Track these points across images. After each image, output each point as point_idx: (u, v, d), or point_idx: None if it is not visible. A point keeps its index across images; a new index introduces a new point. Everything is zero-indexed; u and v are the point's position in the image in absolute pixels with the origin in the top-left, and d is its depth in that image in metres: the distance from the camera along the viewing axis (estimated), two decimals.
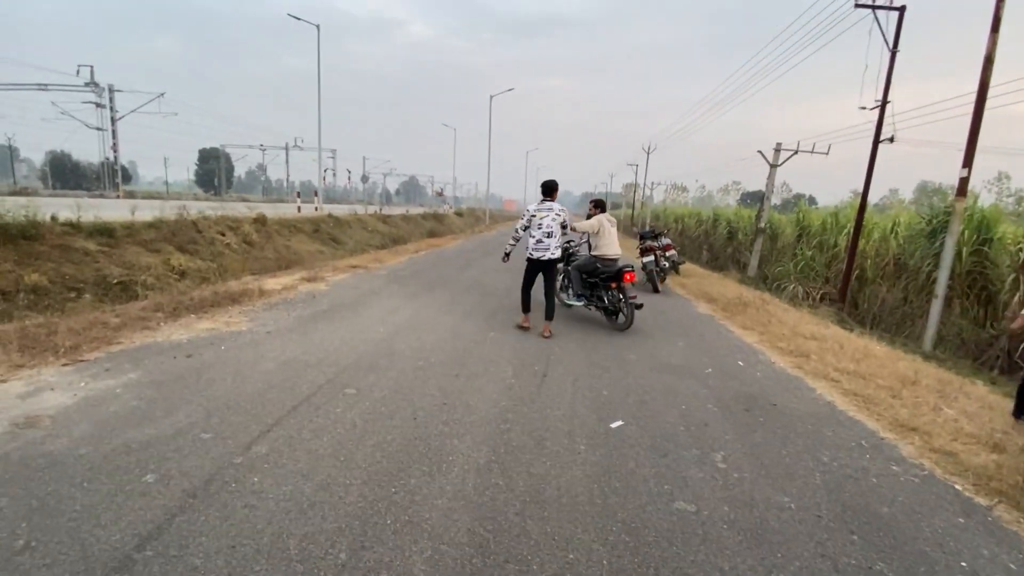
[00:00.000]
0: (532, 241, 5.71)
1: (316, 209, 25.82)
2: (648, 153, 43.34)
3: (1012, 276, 10.97)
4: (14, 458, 2.55)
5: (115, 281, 10.59)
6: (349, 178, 73.44)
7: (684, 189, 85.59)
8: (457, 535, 2.20)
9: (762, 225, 19.47)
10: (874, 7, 13.27)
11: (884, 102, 13.27)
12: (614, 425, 3.43)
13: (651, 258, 9.48)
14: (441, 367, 4.40)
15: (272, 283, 7.50)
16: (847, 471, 3.03)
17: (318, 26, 23.03)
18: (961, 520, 2.60)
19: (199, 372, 3.87)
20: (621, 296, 6.27)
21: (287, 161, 57.72)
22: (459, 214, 44.52)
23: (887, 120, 13.16)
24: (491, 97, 29.42)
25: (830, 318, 9.64)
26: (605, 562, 2.09)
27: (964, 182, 10.48)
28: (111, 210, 13.08)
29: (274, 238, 17.55)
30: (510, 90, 30.82)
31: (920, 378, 4.89)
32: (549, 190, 5.77)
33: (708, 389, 4.31)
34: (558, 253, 5.77)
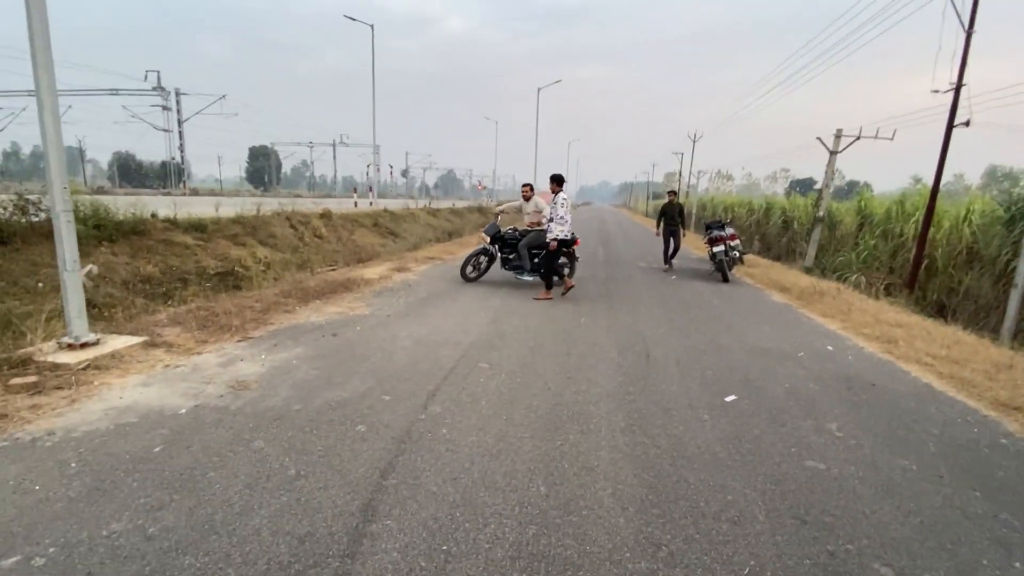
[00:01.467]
0: (568, 225, 7.29)
1: (371, 204, 26.84)
2: (694, 141, 42.53)
3: None
4: (248, 412, 3.14)
5: (213, 272, 11.61)
6: (391, 173, 75.28)
7: (729, 177, 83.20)
8: (627, 478, 2.62)
9: (821, 214, 19.02)
10: None
11: (959, 84, 12.81)
12: (728, 399, 3.78)
13: (721, 248, 9.65)
14: (551, 347, 4.85)
15: (368, 273, 8.15)
16: (958, 442, 3.28)
17: (372, 26, 23.87)
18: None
19: (351, 348, 4.45)
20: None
21: (335, 157, 59.66)
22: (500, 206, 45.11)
23: (962, 103, 12.69)
24: (539, 90, 29.68)
25: (907, 308, 9.55)
26: (760, 503, 2.47)
27: None
28: (195, 207, 14.14)
29: (339, 231, 18.51)
30: (557, 82, 30.94)
31: (1016, 363, 4.99)
32: (559, 180, 7.14)
33: (805, 370, 4.58)
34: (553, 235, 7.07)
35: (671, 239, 11.17)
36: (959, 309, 12.70)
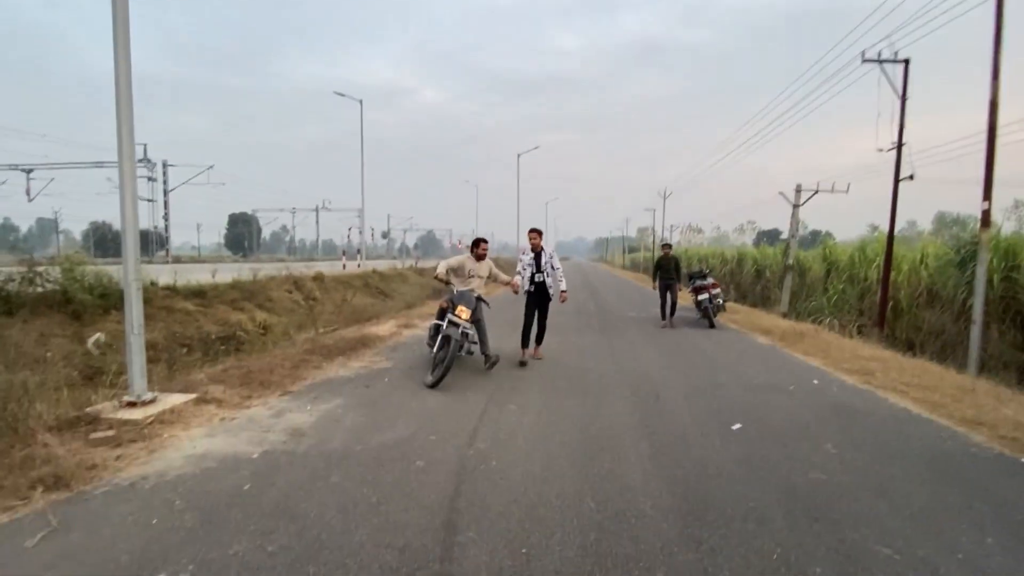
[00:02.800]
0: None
1: (359, 266, 27.37)
2: (664, 198, 44.90)
3: None
4: (313, 454, 3.47)
5: (215, 337, 11.78)
6: (372, 235, 76.60)
7: (700, 231, 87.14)
8: (662, 494, 3.03)
9: (790, 262, 20.24)
10: (880, 61, 14.59)
11: (900, 144, 14.33)
12: (735, 427, 4.24)
13: (705, 295, 10.37)
14: (567, 388, 5.28)
15: (378, 330, 8.52)
16: (935, 452, 3.79)
17: (361, 101, 25.39)
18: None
19: (386, 397, 4.81)
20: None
21: (317, 221, 60.68)
22: None
23: (905, 159, 14.16)
24: (519, 156, 31.46)
25: (880, 345, 10.29)
26: (777, 507, 2.90)
27: (986, 214, 11.29)
28: (191, 274, 14.40)
29: (332, 293, 18.87)
30: (535, 148, 32.88)
31: (977, 388, 5.60)
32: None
33: (797, 401, 5.09)
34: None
35: (668, 293, 10.43)
36: (926, 344, 13.56)
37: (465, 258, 6.34)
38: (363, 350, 6.93)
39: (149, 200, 39.04)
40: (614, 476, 3.25)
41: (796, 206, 22.05)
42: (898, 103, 14.30)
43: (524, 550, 2.41)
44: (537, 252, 6.64)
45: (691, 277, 11.13)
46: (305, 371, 5.65)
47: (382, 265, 28.08)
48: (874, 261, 17.14)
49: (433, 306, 13.98)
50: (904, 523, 2.75)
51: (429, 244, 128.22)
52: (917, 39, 29.23)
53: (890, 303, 14.98)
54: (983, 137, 10.92)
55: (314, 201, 63.15)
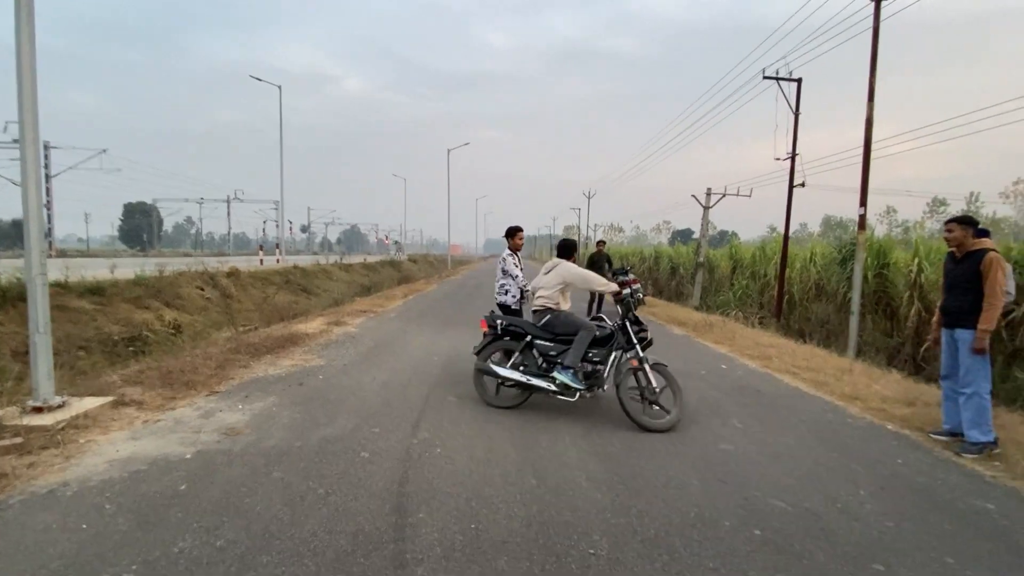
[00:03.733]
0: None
1: (277, 261, 25.97)
2: (589, 198, 46.64)
3: (907, 294, 13.39)
4: (252, 451, 3.41)
5: (118, 338, 10.80)
6: (291, 229, 72.67)
7: (620, 230, 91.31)
8: (595, 469, 3.32)
9: (701, 260, 21.89)
10: (777, 79, 16.18)
11: (794, 154, 15.98)
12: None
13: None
14: None
15: (306, 328, 8.25)
16: (820, 423, 4.42)
17: (280, 87, 24.07)
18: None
19: (322, 394, 4.75)
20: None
21: (228, 214, 56.51)
22: (413, 260, 45.43)
23: (798, 168, 15.84)
24: (449, 151, 31.28)
25: (777, 334, 11.50)
26: (693, 472, 3.28)
27: (862, 218, 12.96)
28: (87, 269, 13.09)
29: (249, 290, 17.84)
30: (466, 144, 32.86)
31: (854, 368, 6.52)
32: (507, 234, 5.68)
33: (708, 384, 5.67)
34: (501, 299, 5.44)
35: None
36: (814, 332, 15.31)
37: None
38: (292, 348, 6.72)
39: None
40: (552, 456, 3.50)
41: (706, 208, 23.86)
42: (792, 117, 15.95)
43: (473, 525, 2.57)
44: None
45: (615, 273, 11.79)
46: (232, 370, 5.41)
47: (303, 261, 26.82)
48: (772, 259, 19.00)
49: (363, 303, 13.63)
50: (795, 482, 3.23)
51: (353, 239, 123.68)
52: (809, 60, 32.61)
53: (786, 296, 16.71)
54: (861, 150, 12.53)
55: (226, 191, 58.82)
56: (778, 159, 16.63)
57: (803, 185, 16.14)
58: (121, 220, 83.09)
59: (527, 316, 5.10)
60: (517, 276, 5.46)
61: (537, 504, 2.82)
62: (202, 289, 15.89)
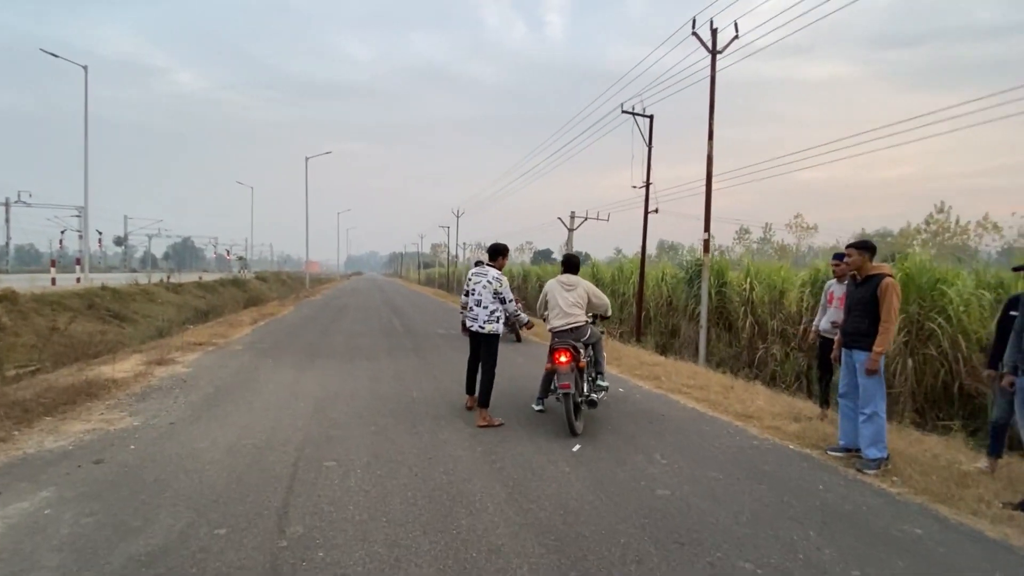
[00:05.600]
0: (467, 309, 5.12)
1: (78, 280, 20.87)
2: (458, 217, 46.50)
3: (743, 309, 15.15)
4: None
5: None
6: (100, 241, 60.20)
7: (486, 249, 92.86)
8: (546, 560, 2.63)
9: None
10: (633, 113, 17.55)
11: (648, 183, 17.37)
12: (575, 448, 4.16)
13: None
14: (395, 428, 4.55)
15: (112, 370, 6.22)
16: (734, 449, 4.30)
17: (85, 67, 19.59)
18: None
19: (134, 475, 3.33)
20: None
21: (8, 220, 44.66)
22: (262, 279, 40.39)
23: (652, 195, 17.24)
24: (307, 159, 28.45)
25: (647, 348, 12.08)
26: (643, 533, 2.78)
27: (707, 242, 14.42)
28: None
29: (32, 319, 13.84)
30: (328, 153, 30.29)
31: (735, 385, 6.82)
32: (493, 254, 5.25)
33: (616, 410, 5.38)
34: (494, 327, 4.98)
35: None
36: (668, 345, 16.65)
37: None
38: (89, 403, 4.88)
39: None
40: (477, 537, 2.72)
41: (571, 230, 25.07)
42: (646, 151, 17.39)
43: None
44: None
45: None
46: None
47: (117, 279, 21.95)
48: (630, 278, 20.48)
49: (199, 332, 11.14)
50: (748, 531, 2.89)
51: (186, 254, 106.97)
52: (661, 99, 36.70)
53: (644, 312, 17.98)
54: (702, 183, 13.98)
55: (5, 193, 46.60)
56: (634, 187, 18.00)
57: (656, 211, 17.63)
58: None
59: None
60: (511, 300, 5.13)
61: None
62: None
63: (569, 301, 5.02)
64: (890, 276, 3.80)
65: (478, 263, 5.28)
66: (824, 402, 5.45)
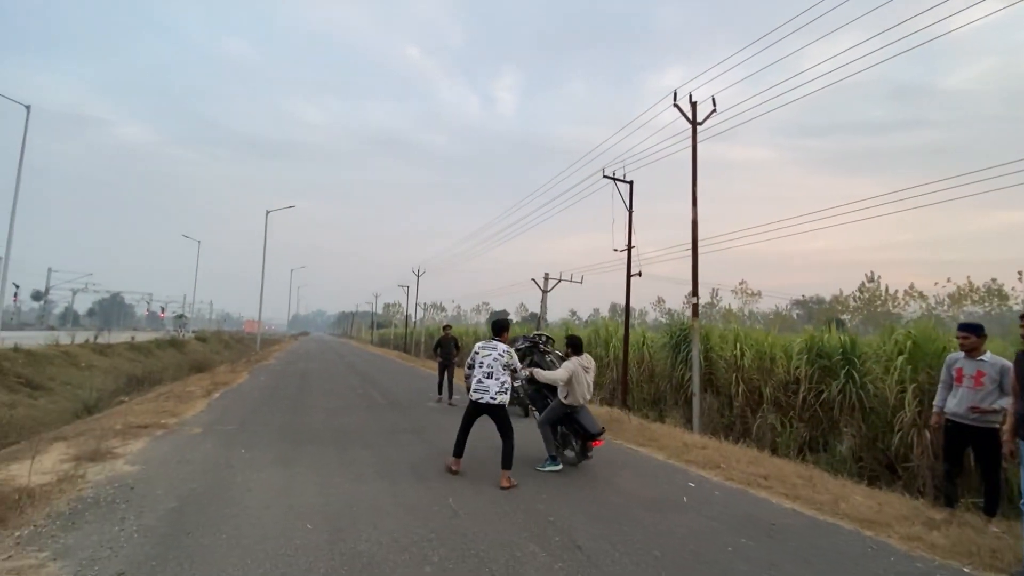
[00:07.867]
0: (474, 381, 5.39)
1: None
2: (418, 276, 45.32)
3: (733, 376, 14.61)
4: None
5: None
6: (16, 295, 54.24)
7: (442, 309, 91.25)
8: None
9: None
10: (614, 179, 17.69)
11: (629, 247, 17.25)
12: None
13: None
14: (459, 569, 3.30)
15: (19, 473, 4.55)
16: (886, 570, 3.35)
17: (28, 107, 17.87)
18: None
19: None
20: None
21: None
22: (202, 339, 37.03)
23: (634, 259, 17.06)
24: (268, 212, 26.93)
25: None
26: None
27: (696, 307, 14.11)
28: None
29: None
30: (291, 207, 28.93)
31: (812, 474, 5.80)
32: (498, 329, 5.67)
33: (707, 519, 4.23)
34: (504, 399, 5.35)
35: (445, 371, 11.46)
36: (650, 411, 15.85)
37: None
38: None
39: None
40: None
41: (545, 291, 24.59)
42: (627, 215, 17.40)
43: None
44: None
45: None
46: None
47: (34, 337, 19.06)
48: (610, 341, 19.85)
49: (141, 408, 9.15)
50: None
51: (114, 310, 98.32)
52: (641, 165, 38.29)
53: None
54: (683, 246, 13.86)
55: None
56: (616, 250, 17.81)
57: (639, 275, 17.40)
58: None
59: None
60: (518, 369, 5.51)
61: None
62: None
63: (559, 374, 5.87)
64: None
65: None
66: (951, 501, 4.66)
